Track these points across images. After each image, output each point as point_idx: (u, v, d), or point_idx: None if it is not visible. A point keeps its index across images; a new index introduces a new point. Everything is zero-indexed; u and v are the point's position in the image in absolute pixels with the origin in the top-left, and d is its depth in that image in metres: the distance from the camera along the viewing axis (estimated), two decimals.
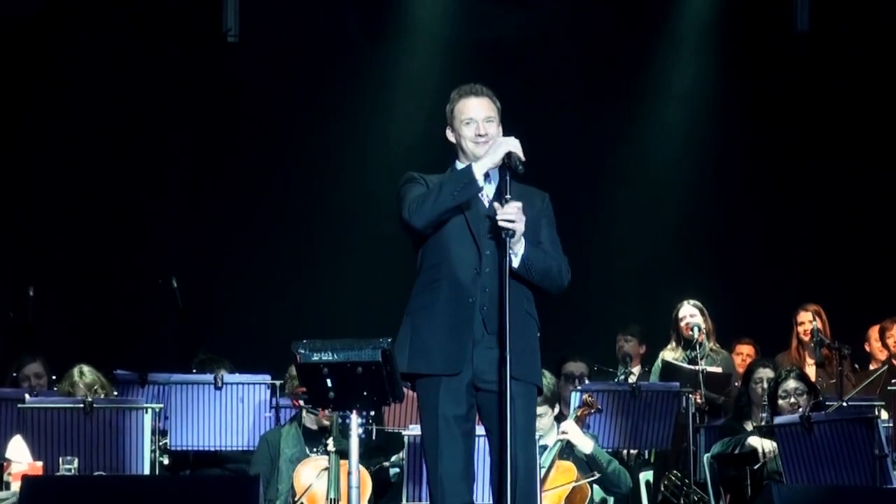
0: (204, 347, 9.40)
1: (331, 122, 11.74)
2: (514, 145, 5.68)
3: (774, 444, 7.79)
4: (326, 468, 7.36)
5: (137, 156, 11.35)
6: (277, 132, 11.77)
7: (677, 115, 12.00)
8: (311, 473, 7.55)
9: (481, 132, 5.78)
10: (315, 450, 7.81)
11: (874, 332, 10.02)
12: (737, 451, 8.00)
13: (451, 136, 5.88)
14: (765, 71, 12.01)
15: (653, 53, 12.04)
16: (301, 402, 7.69)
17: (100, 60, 11.30)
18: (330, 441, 7.20)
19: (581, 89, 11.89)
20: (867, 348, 10.09)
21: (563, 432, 7.66)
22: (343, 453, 7.19)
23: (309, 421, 8.00)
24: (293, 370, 7.95)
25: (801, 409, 7.71)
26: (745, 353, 10.07)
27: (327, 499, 7.18)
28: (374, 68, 11.79)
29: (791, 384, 7.99)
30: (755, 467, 7.93)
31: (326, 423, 7.75)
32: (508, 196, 5.63)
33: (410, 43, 11.82)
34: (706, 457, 8.29)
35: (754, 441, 7.93)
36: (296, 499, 7.50)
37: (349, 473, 5.84)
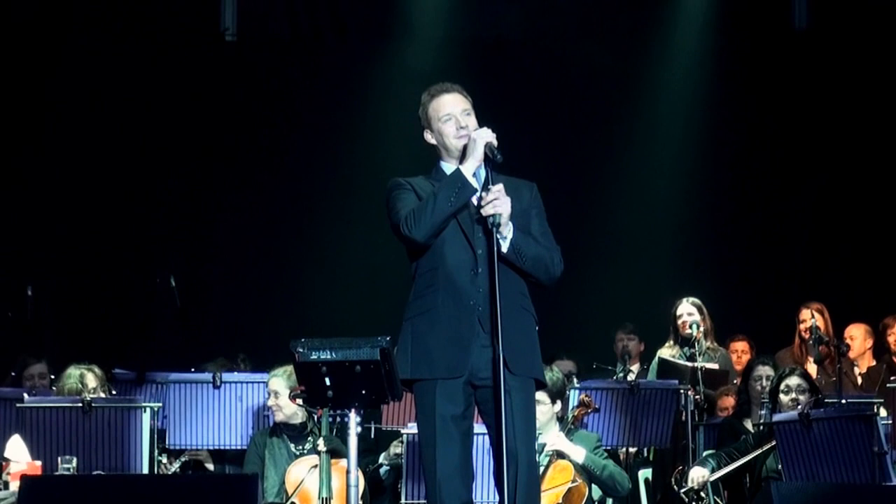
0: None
1: (329, 120, 11.73)
2: (488, 136, 5.65)
3: (705, 473, 7.78)
4: (315, 465, 7.34)
5: (136, 155, 11.35)
6: (276, 131, 11.76)
7: (676, 112, 11.99)
8: (302, 469, 7.53)
9: (462, 125, 5.74)
10: (301, 448, 7.78)
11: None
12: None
13: (430, 139, 5.83)
14: (763, 68, 12.01)
15: (651, 51, 12.05)
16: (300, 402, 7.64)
17: (98, 59, 11.31)
18: (321, 441, 7.18)
19: (580, 87, 11.88)
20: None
21: (552, 446, 7.56)
22: (334, 452, 7.18)
23: (287, 415, 7.94)
24: (273, 383, 7.92)
25: (801, 407, 7.70)
26: (739, 349, 10.06)
27: (319, 498, 7.15)
28: (373, 66, 11.79)
29: (794, 380, 7.98)
30: (682, 491, 7.94)
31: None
32: (491, 186, 5.59)
33: (409, 41, 11.82)
34: (704, 454, 8.30)
35: (692, 471, 7.90)
36: (288, 496, 7.47)
37: (347, 472, 5.81)
